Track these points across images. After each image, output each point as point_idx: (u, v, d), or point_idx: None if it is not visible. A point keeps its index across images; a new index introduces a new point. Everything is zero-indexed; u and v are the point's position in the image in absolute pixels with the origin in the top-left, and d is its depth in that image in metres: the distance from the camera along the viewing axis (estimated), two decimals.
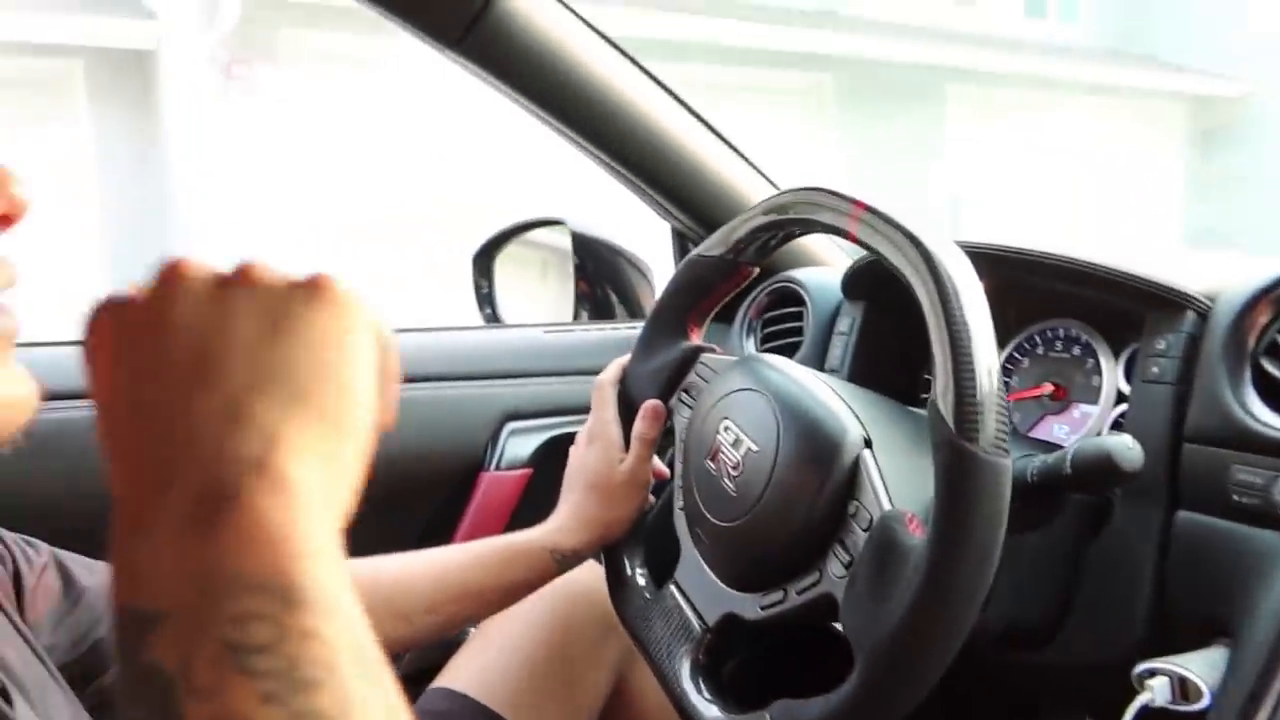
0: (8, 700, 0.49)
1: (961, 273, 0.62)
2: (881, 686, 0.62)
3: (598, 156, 1.11)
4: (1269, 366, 0.75)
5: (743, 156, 1.15)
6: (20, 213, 0.45)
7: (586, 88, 1.01)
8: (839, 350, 1.09)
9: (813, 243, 1.26)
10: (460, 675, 0.95)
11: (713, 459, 0.78)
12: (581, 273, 1.35)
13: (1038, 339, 1.03)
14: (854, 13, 8.69)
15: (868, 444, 0.70)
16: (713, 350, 0.88)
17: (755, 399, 0.77)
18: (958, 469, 0.58)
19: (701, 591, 0.77)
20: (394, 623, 0.79)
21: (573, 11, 1.02)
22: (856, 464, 0.69)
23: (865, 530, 0.66)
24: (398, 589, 0.82)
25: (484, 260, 1.49)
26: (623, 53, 1.07)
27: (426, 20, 0.93)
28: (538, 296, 1.47)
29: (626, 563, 0.87)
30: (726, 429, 0.78)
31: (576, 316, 1.36)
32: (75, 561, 0.69)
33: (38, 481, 0.88)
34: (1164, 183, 10.65)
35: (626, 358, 0.94)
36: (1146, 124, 10.46)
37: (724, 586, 0.76)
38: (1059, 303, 1.00)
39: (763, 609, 0.72)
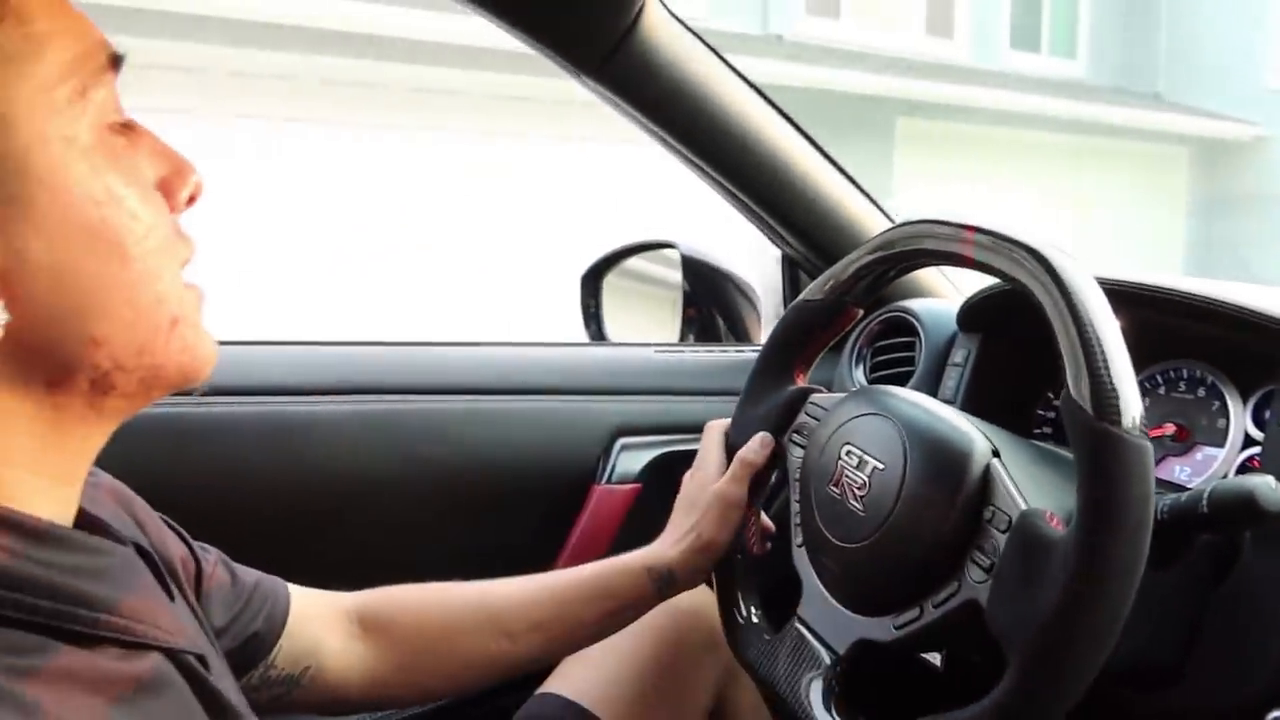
0: (205, 666, 0.53)
1: (1081, 274, 0.64)
2: (1039, 682, 0.61)
3: (719, 182, 1.14)
4: None
5: (859, 189, 1.17)
6: (200, 194, 0.52)
7: (716, 115, 1.04)
8: (953, 381, 1.09)
9: (922, 275, 1.27)
10: (567, 682, 0.97)
11: (836, 484, 0.78)
12: (690, 295, 1.38)
13: (1160, 378, 1.03)
14: (801, 39, 8.02)
15: (996, 454, 0.71)
16: (821, 390, 0.89)
17: (876, 422, 0.79)
18: (1102, 452, 0.59)
19: (829, 622, 0.76)
20: (498, 640, 0.82)
21: (704, 41, 1.05)
22: (987, 471, 0.70)
23: (1004, 532, 0.66)
24: (505, 606, 0.84)
25: (593, 280, 1.53)
26: (748, 82, 1.10)
27: (569, 49, 0.97)
28: (644, 318, 1.50)
29: (741, 603, 0.87)
30: (849, 453, 0.78)
31: (684, 338, 1.38)
32: (234, 563, 0.74)
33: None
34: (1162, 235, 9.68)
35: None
36: (1151, 172, 9.67)
37: (853, 615, 0.75)
38: (1182, 342, 0.99)
39: (897, 628, 0.71)
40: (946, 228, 0.76)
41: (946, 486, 0.70)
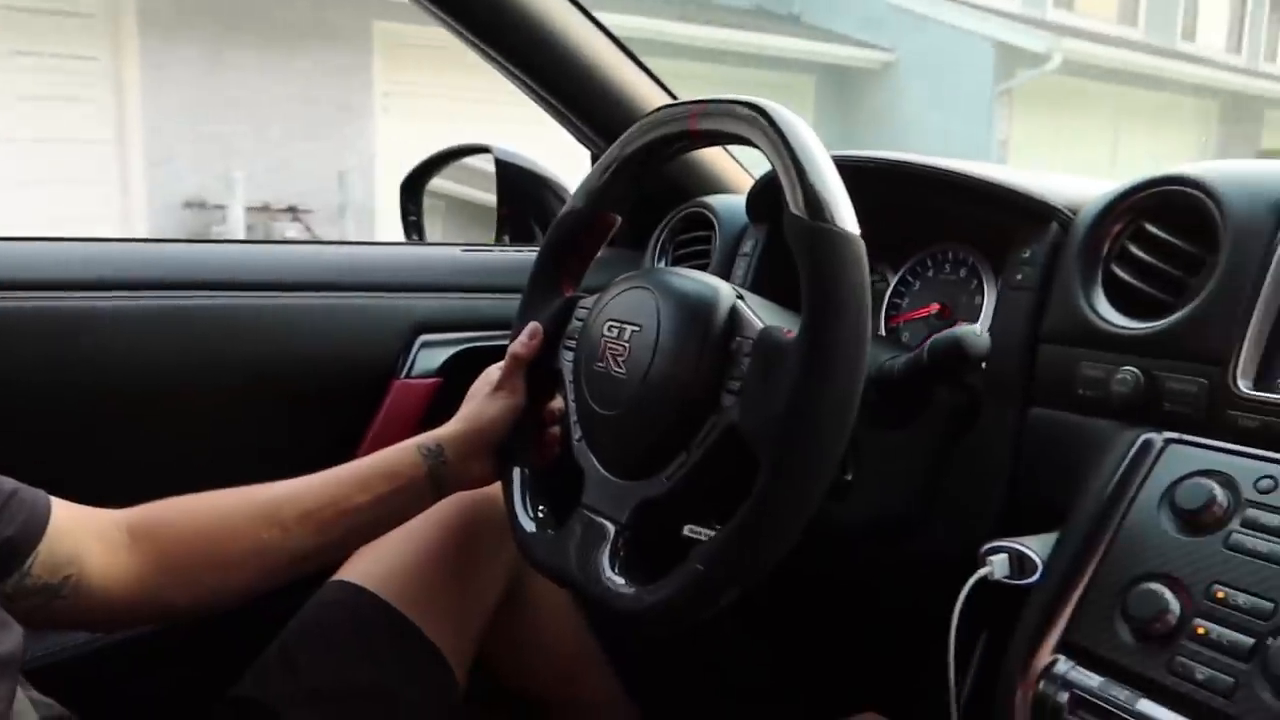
0: None
1: (790, 114, 0.69)
2: (786, 473, 0.64)
3: (519, 77, 1.14)
4: (1119, 271, 0.80)
5: (641, 66, 1.19)
6: None
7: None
8: (741, 270, 1.13)
9: (727, 170, 1.30)
10: (358, 569, 0.98)
11: (601, 359, 0.80)
12: (504, 197, 1.37)
13: (928, 262, 1.08)
14: None
15: (741, 298, 0.75)
16: (586, 296, 0.91)
17: (633, 292, 0.81)
18: (818, 246, 0.64)
19: (609, 498, 0.78)
20: (269, 530, 0.81)
21: None
22: (733, 311, 0.73)
23: (749, 355, 0.70)
24: (273, 498, 0.83)
25: (412, 188, 1.51)
26: None
27: None
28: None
29: (528, 508, 0.88)
30: (610, 327, 0.81)
31: (499, 240, 1.38)
32: None
33: None
34: None
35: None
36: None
37: (630, 482, 0.77)
38: (946, 226, 1.05)
39: (669, 479, 0.74)
40: (673, 110, 0.79)
41: (696, 329, 0.73)
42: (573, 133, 1.25)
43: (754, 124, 0.70)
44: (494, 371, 0.93)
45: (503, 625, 1.08)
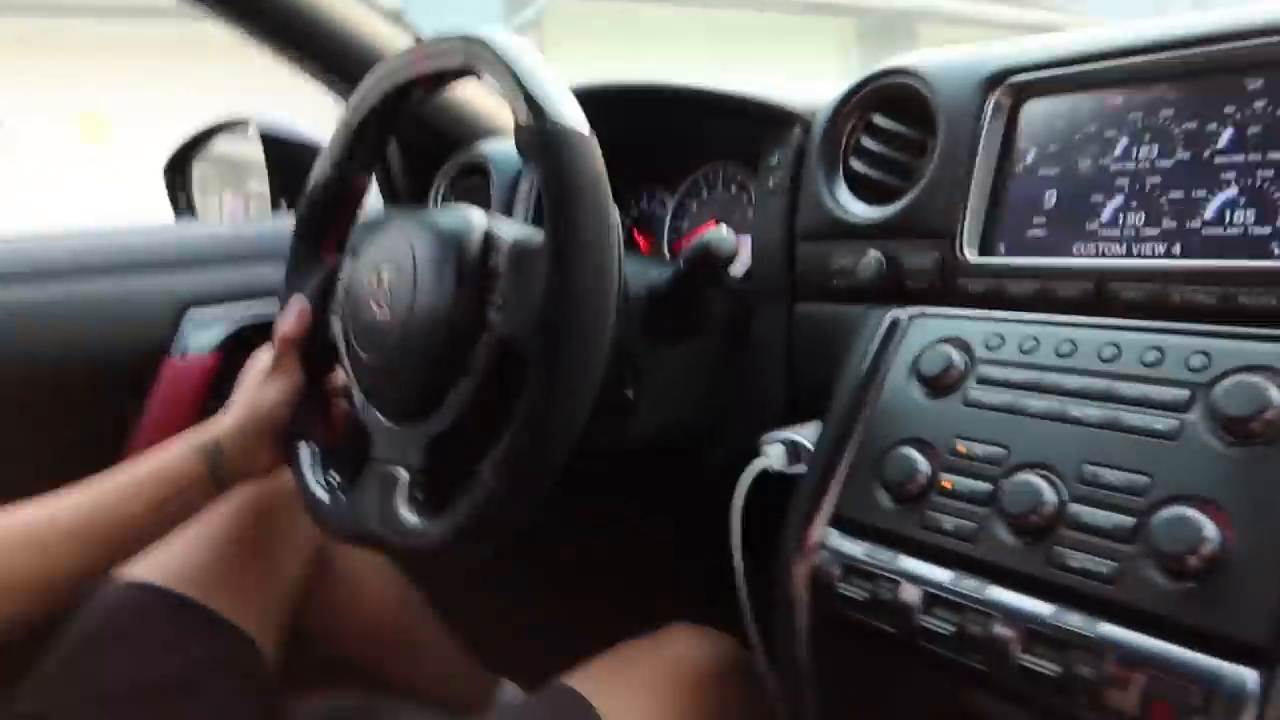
0: None
1: (508, 36, 0.68)
2: (551, 370, 0.64)
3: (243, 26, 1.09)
4: (856, 165, 0.84)
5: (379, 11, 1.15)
6: None
7: None
8: (521, 213, 1.12)
9: (495, 109, 1.28)
10: (140, 563, 0.92)
11: (364, 310, 0.78)
12: (275, 167, 1.31)
13: (702, 183, 1.10)
14: None
15: (494, 220, 0.74)
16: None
17: (386, 236, 0.79)
18: (549, 147, 0.63)
19: (398, 446, 0.76)
20: (27, 554, 0.74)
21: None
22: (488, 235, 0.72)
23: (505, 268, 0.69)
24: (31, 519, 0.76)
25: (176, 170, 1.42)
26: None
27: None
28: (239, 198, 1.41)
29: (321, 480, 0.84)
30: (369, 276, 0.78)
31: (275, 209, 1.32)
32: None
33: None
34: None
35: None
36: None
37: (416, 426, 0.75)
38: (712, 146, 1.07)
39: (450, 409, 0.73)
40: (400, 59, 0.77)
41: (452, 255, 0.72)
42: (330, 89, 1.21)
43: (474, 55, 0.69)
44: (264, 356, 0.88)
45: (319, 598, 1.05)
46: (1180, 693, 0.52)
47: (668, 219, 1.13)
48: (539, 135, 0.64)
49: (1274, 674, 0.49)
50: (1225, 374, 0.57)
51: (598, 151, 0.65)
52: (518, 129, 0.66)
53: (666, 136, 1.07)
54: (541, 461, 0.66)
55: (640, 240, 1.16)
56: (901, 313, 0.76)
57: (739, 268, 0.99)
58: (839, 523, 0.71)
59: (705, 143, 1.07)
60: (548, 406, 0.65)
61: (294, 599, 0.99)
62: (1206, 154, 0.64)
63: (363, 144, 0.84)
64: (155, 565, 0.91)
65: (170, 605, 0.90)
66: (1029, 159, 0.73)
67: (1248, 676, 0.50)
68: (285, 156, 1.32)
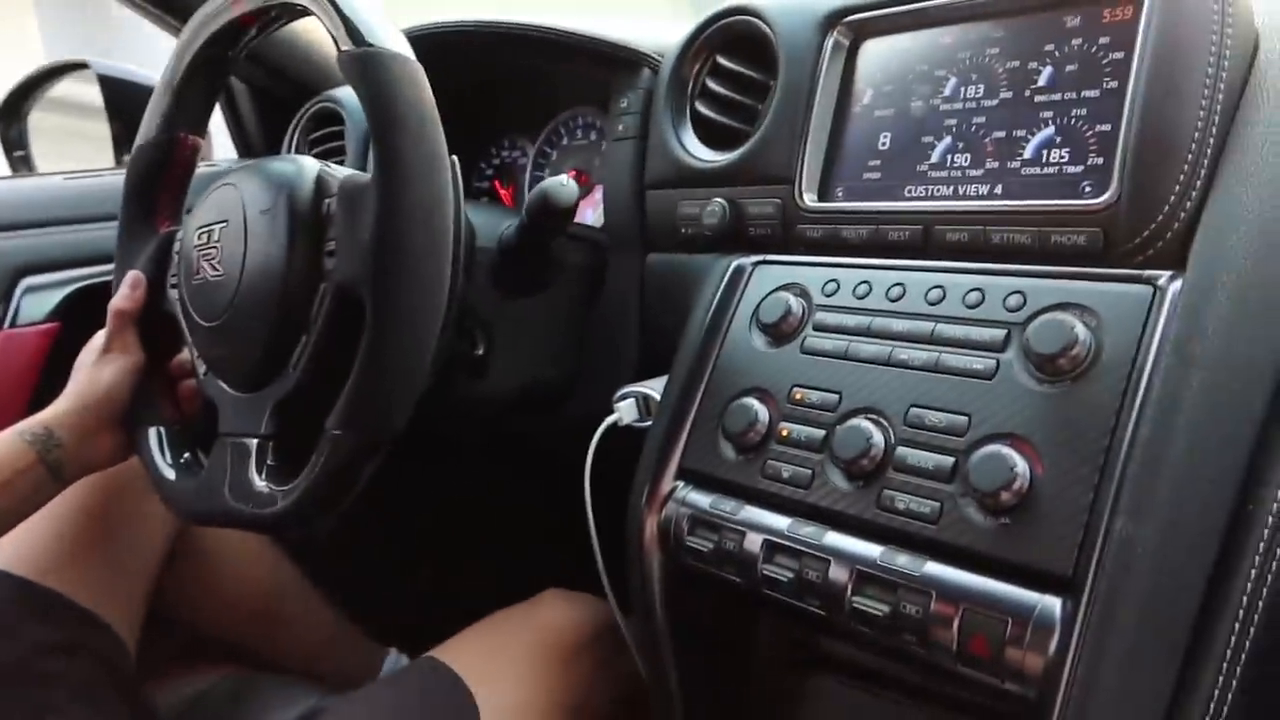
0: None
1: None
2: (389, 302, 0.61)
3: None
4: (702, 108, 0.82)
5: None
6: None
7: None
8: None
9: None
10: None
11: (198, 271, 0.74)
12: (115, 114, 1.24)
13: (561, 130, 1.07)
14: None
15: (326, 165, 0.71)
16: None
17: (217, 192, 0.75)
18: (368, 69, 0.60)
19: (246, 416, 0.73)
20: None
21: None
22: (319, 178, 0.69)
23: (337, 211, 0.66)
24: None
25: (10, 117, 1.33)
26: None
27: None
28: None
29: (169, 460, 0.80)
30: (200, 235, 0.74)
31: (118, 162, 1.25)
32: None
33: None
34: None
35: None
36: None
37: (261, 392, 0.72)
38: (569, 92, 1.04)
39: (295, 367, 0.69)
40: (213, 3, 0.72)
41: (282, 204, 0.68)
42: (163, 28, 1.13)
43: None
44: (99, 338, 0.83)
45: (182, 576, 1.01)
46: (995, 625, 0.53)
47: (529, 168, 1.10)
48: (358, 60, 0.61)
49: (1078, 602, 0.51)
50: (1038, 313, 0.58)
51: (422, 77, 0.62)
52: (339, 56, 0.62)
53: (523, 83, 1.04)
54: (387, 406, 0.63)
55: (502, 192, 1.13)
56: (745, 260, 0.75)
57: (596, 217, 0.97)
58: (685, 475, 0.71)
59: (562, 88, 1.04)
60: (387, 346, 0.62)
61: (155, 579, 0.96)
62: (1027, 93, 0.64)
63: (190, 100, 0.79)
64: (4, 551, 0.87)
65: (13, 590, 0.85)
66: (866, 99, 0.72)
67: (1055, 605, 0.52)
68: (127, 101, 1.24)
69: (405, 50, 0.62)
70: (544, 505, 1.15)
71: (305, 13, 0.67)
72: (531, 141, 1.10)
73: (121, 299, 0.80)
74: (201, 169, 0.84)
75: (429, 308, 0.62)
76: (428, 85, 0.62)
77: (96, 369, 0.80)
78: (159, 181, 0.82)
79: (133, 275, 0.81)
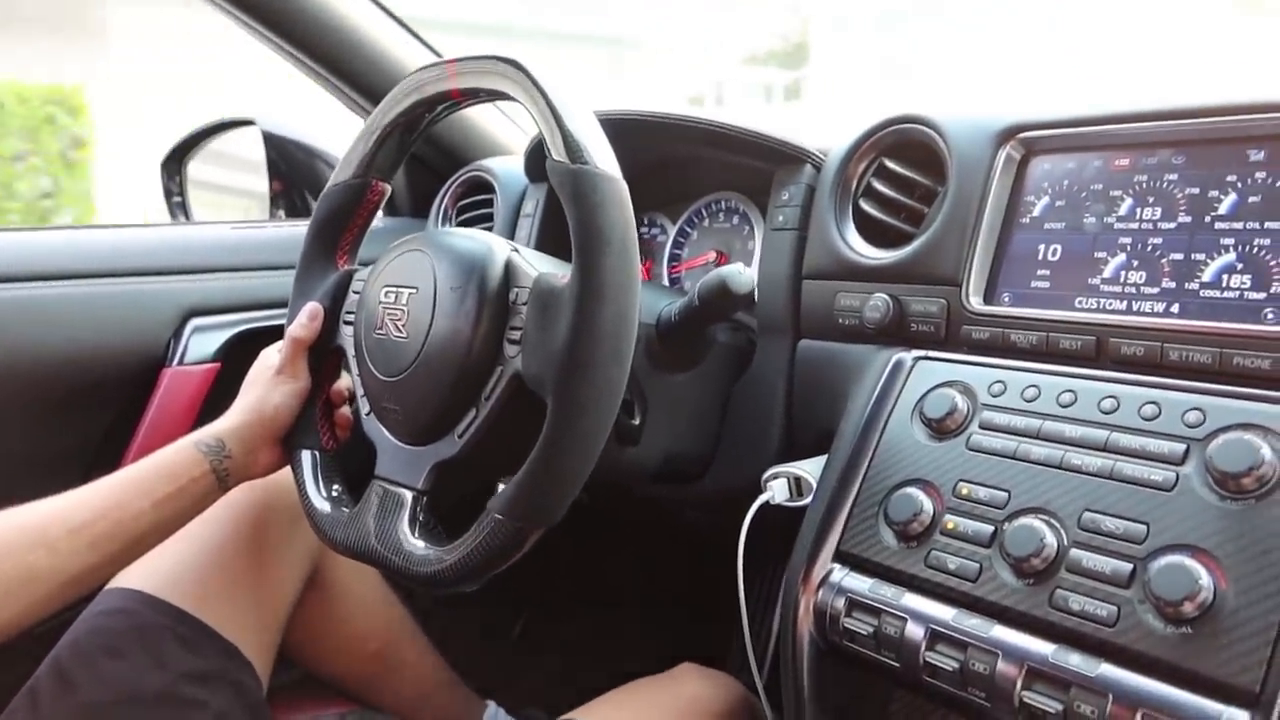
0: None
1: (544, 68, 0.70)
2: (572, 405, 0.65)
3: (271, 39, 1.09)
4: (866, 207, 0.86)
5: (404, 26, 1.16)
6: None
7: None
8: (525, 231, 1.13)
9: (502, 127, 1.30)
10: (136, 572, 0.91)
11: (380, 327, 0.79)
12: (275, 172, 1.32)
13: (704, 212, 1.12)
14: None
15: (516, 250, 0.76)
16: (361, 268, 0.89)
17: (408, 256, 0.80)
18: (579, 186, 0.65)
19: (404, 466, 0.77)
20: (35, 553, 0.74)
21: None
22: (509, 264, 0.74)
23: (526, 303, 0.71)
24: (37, 517, 0.76)
25: (174, 165, 1.42)
26: None
27: None
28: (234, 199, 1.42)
29: (321, 489, 0.85)
30: (387, 293, 0.79)
31: (272, 216, 1.32)
32: None
33: None
34: None
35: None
36: None
37: (422, 447, 0.76)
38: (718, 177, 1.09)
39: (460, 437, 0.74)
40: (432, 71, 0.79)
41: (473, 284, 0.73)
42: (342, 100, 1.21)
43: (511, 78, 0.71)
44: (272, 355, 0.89)
45: (308, 613, 1.05)
46: None
47: (668, 245, 1.15)
48: (572, 175, 0.66)
49: (1265, 717, 0.52)
50: (1219, 430, 0.60)
51: (628, 197, 0.67)
52: (550, 163, 0.68)
53: (671, 165, 1.09)
54: (552, 501, 0.68)
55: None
56: (906, 355, 0.79)
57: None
58: (844, 559, 0.73)
59: (708, 173, 1.09)
60: (564, 447, 0.66)
61: (288, 614, 1.00)
62: (1207, 219, 0.67)
63: (385, 150, 0.85)
64: (151, 575, 0.91)
65: (163, 616, 0.89)
66: (1036, 212, 0.76)
67: (1239, 718, 0.53)
68: (287, 159, 1.32)
69: (615, 171, 0.67)
70: (664, 572, 1.17)
71: (515, 100, 0.73)
72: (672, 220, 1.15)
73: (299, 327, 0.86)
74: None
75: (606, 413, 0.67)
76: (631, 205, 0.67)
77: (269, 389, 0.86)
78: (346, 221, 0.88)
79: (312, 306, 0.86)
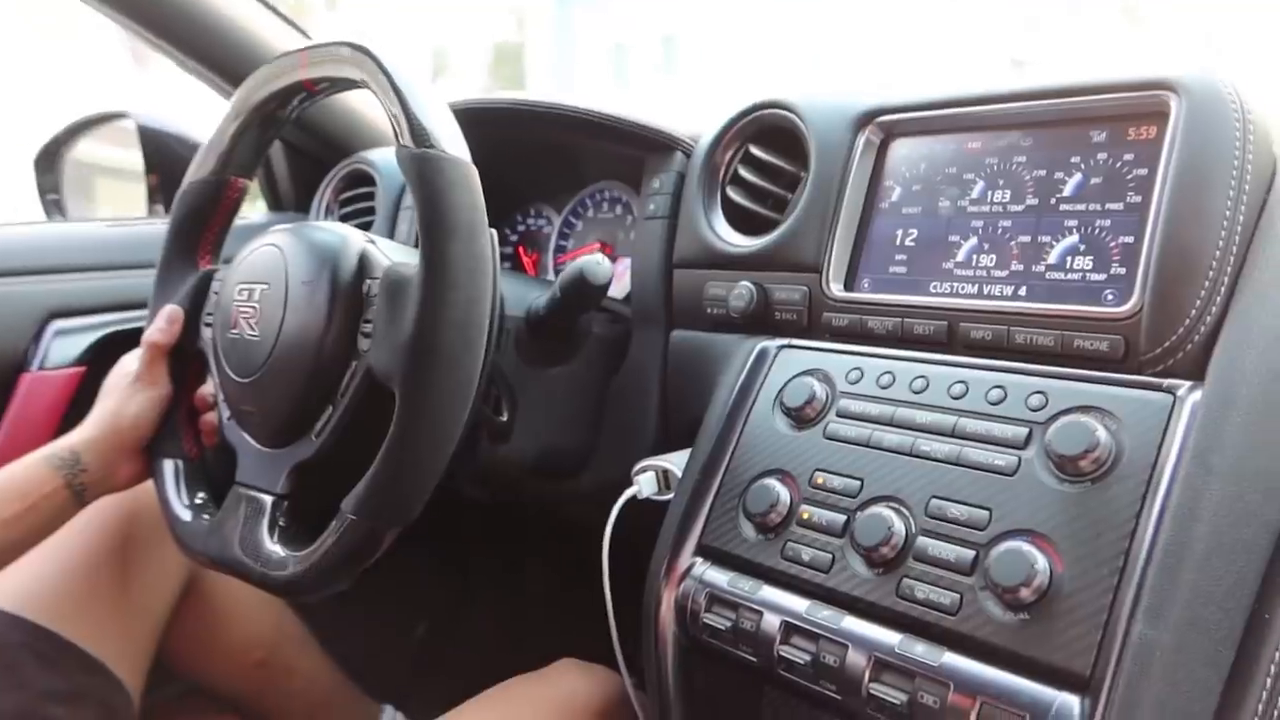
0: None
1: (393, 53, 0.67)
2: (420, 398, 0.63)
3: (133, 26, 1.04)
4: (733, 194, 0.85)
5: (274, 10, 1.13)
6: None
7: None
8: (406, 225, 1.10)
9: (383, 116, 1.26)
10: None
11: (234, 326, 0.76)
12: (152, 165, 1.27)
13: (588, 202, 1.10)
14: None
15: (372, 242, 0.73)
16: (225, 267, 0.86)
17: (261, 251, 0.77)
18: (425, 171, 0.63)
19: (263, 470, 0.75)
20: None
21: None
22: (364, 256, 0.71)
23: (378, 294, 0.68)
24: None
25: (47, 163, 1.36)
26: None
27: None
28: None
29: (184, 497, 0.81)
30: (240, 290, 0.76)
31: (151, 211, 1.27)
32: None
33: None
34: None
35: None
36: None
37: (280, 450, 0.74)
38: (598, 167, 1.07)
39: (318, 436, 0.71)
40: (284, 61, 0.76)
41: (325, 277, 0.70)
42: (212, 87, 1.17)
43: (361, 65, 0.68)
44: (131, 361, 0.85)
45: (187, 623, 1.01)
46: None
47: (553, 238, 1.13)
48: (418, 160, 0.63)
49: (1096, 701, 0.52)
50: (1060, 414, 0.60)
51: (476, 181, 0.65)
52: (398, 149, 0.65)
53: (553, 155, 1.07)
54: (405, 498, 0.65)
55: (525, 259, 1.15)
56: (770, 344, 0.78)
57: (620, 290, 1.00)
58: (705, 552, 0.72)
59: (591, 162, 1.07)
60: (414, 441, 0.64)
61: (162, 626, 0.96)
62: (1053, 201, 0.67)
63: (243, 145, 0.82)
64: (10, 591, 0.87)
65: (20, 633, 0.86)
66: (894, 196, 0.75)
67: (1073, 704, 0.53)
68: (164, 153, 1.27)
69: (463, 154, 0.65)
70: (555, 569, 1.15)
71: (365, 87, 0.71)
72: (557, 211, 1.13)
73: (157, 331, 0.82)
74: (236, 223, 0.87)
75: (457, 405, 0.64)
76: (480, 190, 0.65)
77: (126, 397, 0.82)
78: (205, 220, 0.85)
79: (170, 310, 0.83)
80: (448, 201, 0.63)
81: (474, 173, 0.65)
